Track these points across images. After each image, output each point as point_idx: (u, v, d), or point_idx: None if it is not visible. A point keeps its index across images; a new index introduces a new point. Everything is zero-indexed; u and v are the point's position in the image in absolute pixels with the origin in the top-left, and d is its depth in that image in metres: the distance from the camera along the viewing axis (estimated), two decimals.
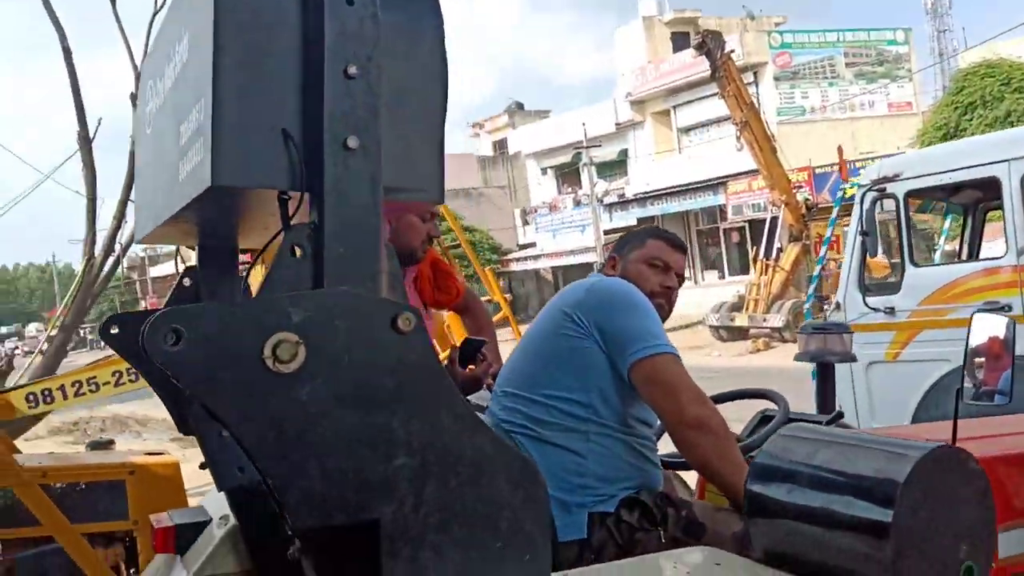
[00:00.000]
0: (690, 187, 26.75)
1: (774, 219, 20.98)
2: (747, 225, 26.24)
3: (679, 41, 28.29)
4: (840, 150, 12.85)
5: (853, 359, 3.11)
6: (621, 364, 1.87)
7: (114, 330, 1.55)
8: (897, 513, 1.30)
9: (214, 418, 1.13)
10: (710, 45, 18.36)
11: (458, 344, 2.62)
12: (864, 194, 5.68)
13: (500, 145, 39.41)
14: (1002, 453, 2.34)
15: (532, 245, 32.44)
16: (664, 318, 2.09)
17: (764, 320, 19.10)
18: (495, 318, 6.11)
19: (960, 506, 1.39)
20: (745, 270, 24.99)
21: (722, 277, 28.76)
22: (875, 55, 27.25)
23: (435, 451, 1.23)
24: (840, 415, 2.33)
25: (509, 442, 1.32)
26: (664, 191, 27.75)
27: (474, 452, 1.27)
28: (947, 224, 7.59)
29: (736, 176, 24.57)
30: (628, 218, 29.60)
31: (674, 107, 28.86)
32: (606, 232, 28.89)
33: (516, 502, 1.29)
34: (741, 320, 20.06)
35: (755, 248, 22.44)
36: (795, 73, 26.37)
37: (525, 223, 33.45)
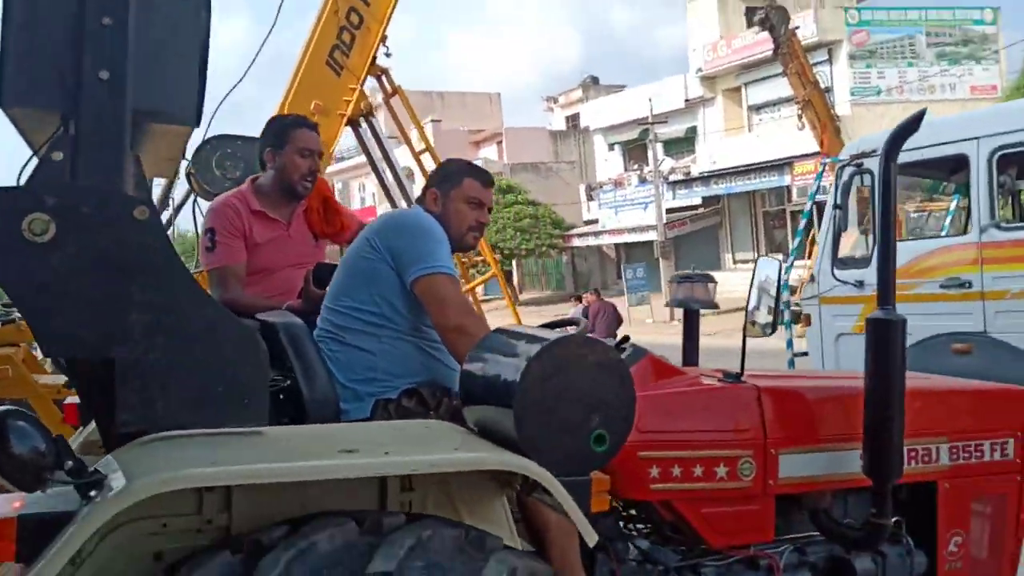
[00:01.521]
0: (756, 167, 26.36)
1: None
2: (814, 207, 25.75)
3: (752, 16, 27.71)
4: (824, 126, 12.54)
5: (715, 307, 3.36)
6: (406, 280, 2.24)
7: None
8: (521, 385, 1.63)
9: None
10: (773, 20, 18.12)
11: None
12: (841, 169, 5.80)
13: (573, 120, 39.43)
14: (783, 386, 2.62)
15: (595, 222, 32.55)
16: (474, 247, 2.47)
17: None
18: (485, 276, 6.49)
19: (595, 386, 1.70)
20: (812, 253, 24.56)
21: (787, 260, 28.34)
22: (960, 35, 26.18)
23: (165, 312, 1.62)
24: (626, 338, 2.63)
25: (237, 317, 1.71)
26: (730, 170, 27.41)
27: (203, 319, 1.66)
28: (953, 203, 7.56)
29: (803, 157, 24.09)
30: (692, 196, 29.39)
31: (746, 84, 28.38)
32: (668, 211, 28.78)
33: (237, 360, 1.68)
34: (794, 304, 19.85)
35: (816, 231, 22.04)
36: (872, 52, 25.59)
37: (590, 199, 33.53)
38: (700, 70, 28.85)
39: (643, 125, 29.36)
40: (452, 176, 2.61)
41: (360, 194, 43.28)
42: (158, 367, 1.62)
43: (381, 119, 6.65)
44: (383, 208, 41.57)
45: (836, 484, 2.61)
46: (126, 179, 1.62)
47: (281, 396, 2.22)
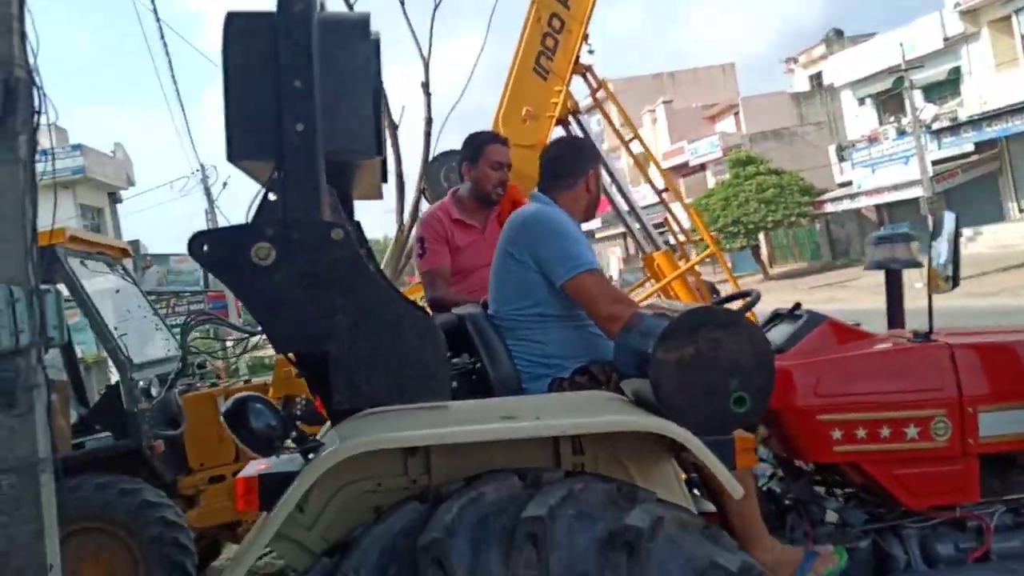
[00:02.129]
0: None
1: None
2: None
3: None
4: None
5: (918, 265, 3.20)
6: (555, 283, 2.49)
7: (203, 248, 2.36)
8: (655, 355, 1.80)
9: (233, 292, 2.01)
10: None
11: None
12: None
13: (817, 79, 37.13)
14: (979, 342, 2.52)
15: (849, 183, 30.41)
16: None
17: None
18: (703, 255, 6.49)
19: (730, 352, 1.83)
20: None
21: None
22: None
23: (362, 312, 2.00)
24: (798, 305, 2.64)
25: (418, 309, 2.04)
26: (1006, 109, 24.38)
27: (391, 314, 2.02)
28: None
29: None
30: (961, 144, 26.49)
31: (1016, 12, 25.08)
32: (934, 163, 26.20)
33: (421, 347, 2.03)
34: None
35: None
36: None
37: (841, 160, 31.36)
38: (958, 4, 25.92)
39: (896, 73, 26.99)
40: (592, 160, 2.82)
41: None
42: (360, 357, 2.00)
43: (613, 111, 6.82)
44: (617, 197, 41.80)
45: None
46: (323, 208, 2.02)
47: (474, 376, 2.56)
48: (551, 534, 1.67)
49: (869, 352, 2.54)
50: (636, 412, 1.91)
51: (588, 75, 6.67)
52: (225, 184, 28.67)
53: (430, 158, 10.14)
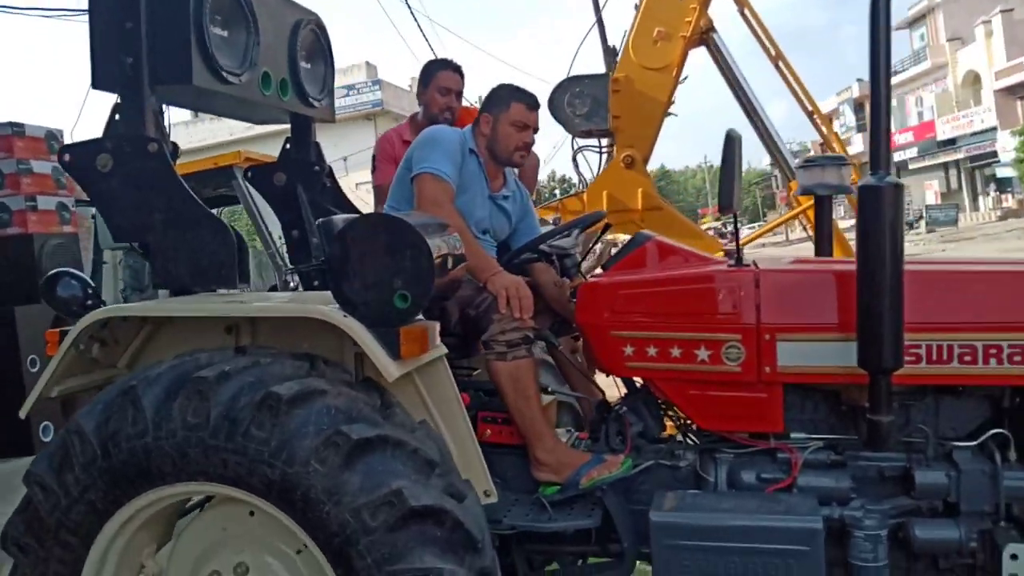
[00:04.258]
0: None
1: None
2: None
3: None
4: None
5: (849, 191, 2.89)
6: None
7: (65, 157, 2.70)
8: (330, 250, 2.07)
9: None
10: None
11: None
12: None
13: None
14: (789, 269, 2.40)
15: None
16: (522, 164, 2.89)
17: None
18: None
19: (396, 255, 2.03)
20: None
21: None
22: None
23: (170, 212, 2.49)
24: (608, 226, 2.59)
25: (215, 214, 2.46)
26: None
27: (193, 216, 2.50)
28: None
29: None
30: None
31: None
32: None
33: (215, 244, 2.48)
34: None
35: None
36: None
37: None
38: None
39: None
40: (500, 100, 2.90)
41: (917, 108, 39.11)
42: (169, 248, 2.49)
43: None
44: (940, 123, 36.93)
45: (850, 378, 2.26)
46: (148, 127, 2.50)
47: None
48: (216, 392, 2.04)
49: (670, 274, 2.48)
50: (322, 304, 2.19)
51: None
52: None
53: None
